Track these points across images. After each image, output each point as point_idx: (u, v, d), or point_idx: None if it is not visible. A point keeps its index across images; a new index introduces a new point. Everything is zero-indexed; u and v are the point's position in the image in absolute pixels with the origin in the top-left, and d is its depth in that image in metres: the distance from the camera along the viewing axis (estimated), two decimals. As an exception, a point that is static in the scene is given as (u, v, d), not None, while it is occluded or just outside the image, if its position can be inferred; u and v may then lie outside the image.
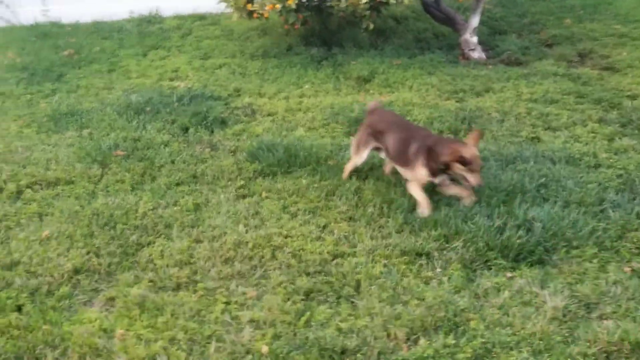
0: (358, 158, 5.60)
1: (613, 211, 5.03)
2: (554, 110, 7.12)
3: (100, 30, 11.35)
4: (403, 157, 5.23)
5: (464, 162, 4.86)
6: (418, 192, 5.13)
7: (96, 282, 4.46)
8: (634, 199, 5.21)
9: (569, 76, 8.27)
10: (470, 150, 4.91)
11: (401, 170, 5.34)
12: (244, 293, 4.25)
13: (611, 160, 5.87)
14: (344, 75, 8.68)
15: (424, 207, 5.05)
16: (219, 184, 5.74)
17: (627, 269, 4.37)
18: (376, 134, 5.47)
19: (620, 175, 5.59)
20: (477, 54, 9.25)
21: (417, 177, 5.14)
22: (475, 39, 9.29)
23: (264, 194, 5.51)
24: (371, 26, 9.04)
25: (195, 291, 4.29)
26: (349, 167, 5.68)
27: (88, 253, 4.71)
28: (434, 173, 5.08)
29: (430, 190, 5.22)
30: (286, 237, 4.84)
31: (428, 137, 5.24)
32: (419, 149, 5.10)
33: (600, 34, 9.98)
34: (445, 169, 4.99)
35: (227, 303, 4.16)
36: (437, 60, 9.12)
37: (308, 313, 4.02)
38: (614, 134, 6.48)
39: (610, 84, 7.95)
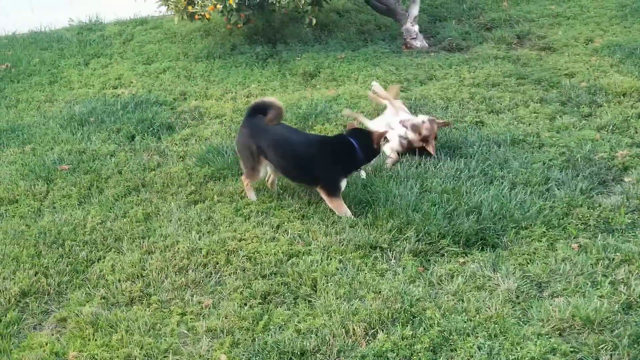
0: None
1: (558, 189, 5.15)
2: (496, 93, 7.22)
3: (38, 40, 11.02)
4: None
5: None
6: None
7: (46, 303, 4.34)
8: (577, 175, 5.33)
9: (509, 58, 8.41)
10: None
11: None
12: (199, 302, 4.20)
13: (554, 139, 5.99)
14: (290, 72, 8.60)
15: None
16: (169, 192, 5.64)
17: (574, 246, 4.47)
18: None
19: (563, 153, 5.72)
20: (419, 42, 9.32)
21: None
22: (416, 28, 9.36)
23: (215, 199, 5.46)
24: (314, 21, 9.04)
25: (149, 304, 4.21)
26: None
27: (36, 274, 4.57)
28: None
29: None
30: (240, 240, 4.79)
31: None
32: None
33: (536, 15, 10.18)
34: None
35: (183, 314, 4.11)
36: (381, 51, 9.15)
37: (266, 317, 4.00)
38: (555, 113, 6.62)
39: (548, 63, 8.11)
